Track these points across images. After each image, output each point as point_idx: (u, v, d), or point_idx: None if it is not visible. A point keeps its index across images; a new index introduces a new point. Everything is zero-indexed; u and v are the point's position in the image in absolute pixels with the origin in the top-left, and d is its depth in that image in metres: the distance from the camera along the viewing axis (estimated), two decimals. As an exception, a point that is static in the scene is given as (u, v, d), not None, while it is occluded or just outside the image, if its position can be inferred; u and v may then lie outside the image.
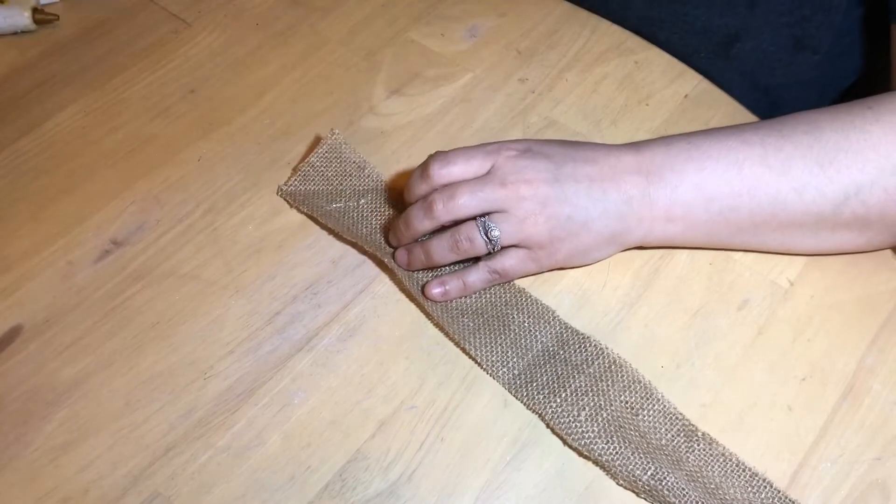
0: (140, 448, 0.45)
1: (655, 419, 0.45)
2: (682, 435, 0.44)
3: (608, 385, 0.46)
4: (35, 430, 0.46)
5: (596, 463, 0.44)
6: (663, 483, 0.42)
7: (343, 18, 0.67)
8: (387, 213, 0.53)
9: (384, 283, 0.51)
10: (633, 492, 0.43)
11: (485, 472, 0.44)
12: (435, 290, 0.49)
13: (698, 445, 0.44)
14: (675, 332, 0.49)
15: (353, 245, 0.53)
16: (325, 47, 0.64)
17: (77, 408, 0.47)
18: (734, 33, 0.63)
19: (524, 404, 0.46)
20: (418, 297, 0.50)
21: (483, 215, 0.47)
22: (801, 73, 0.65)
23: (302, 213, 0.54)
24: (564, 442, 0.45)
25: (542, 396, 0.46)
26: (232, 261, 0.53)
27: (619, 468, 0.43)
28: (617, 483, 0.44)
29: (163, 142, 0.59)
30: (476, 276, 0.49)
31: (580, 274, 0.51)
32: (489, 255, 0.48)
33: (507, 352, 0.47)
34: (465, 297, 0.50)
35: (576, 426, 0.44)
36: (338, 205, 0.53)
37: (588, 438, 0.44)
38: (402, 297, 0.51)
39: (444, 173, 0.49)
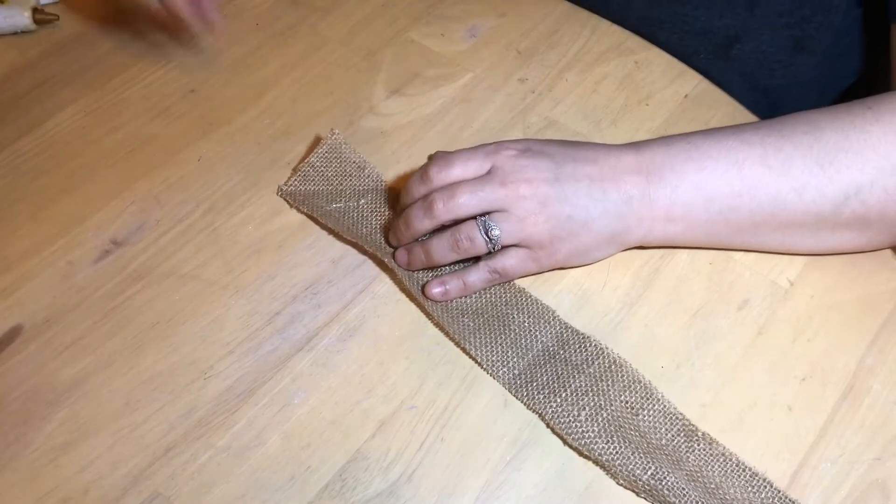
0: (140, 448, 0.45)
1: (655, 419, 0.45)
2: (682, 435, 0.44)
3: (608, 385, 0.46)
4: (35, 430, 0.46)
5: (596, 463, 0.44)
6: (663, 483, 0.42)
7: (343, 18, 0.67)
8: (387, 213, 0.53)
9: (384, 283, 0.51)
10: (634, 491, 0.43)
11: (485, 472, 0.44)
12: (435, 290, 0.49)
13: (698, 445, 0.44)
14: (675, 332, 0.49)
15: (353, 245, 0.53)
16: (325, 47, 0.64)
17: (77, 408, 0.47)
18: (734, 34, 0.63)
19: (524, 404, 0.46)
20: (418, 296, 0.50)
21: (483, 215, 0.47)
22: (801, 74, 0.65)
23: (302, 213, 0.54)
24: (565, 442, 0.45)
25: (542, 396, 0.46)
26: (232, 261, 0.53)
27: (620, 468, 0.43)
28: (617, 483, 0.44)
29: (163, 142, 0.59)
30: (476, 275, 0.49)
31: (580, 274, 0.51)
32: (489, 254, 0.48)
33: (508, 352, 0.47)
34: (466, 296, 0.50)
35: (576, 426, 0.44)
36: (338, 205, 0.53)
37: (588, 438, 0.44)
38: (402, 297, 0.51)
39: (443, 174, 0.49)
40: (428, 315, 0.49)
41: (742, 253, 0.52)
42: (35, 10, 0.65)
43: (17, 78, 0.63)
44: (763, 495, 0.42)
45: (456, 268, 0.51)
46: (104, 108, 0.61)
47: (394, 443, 0.45)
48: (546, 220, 0.47)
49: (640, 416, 0.45)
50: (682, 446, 0.44)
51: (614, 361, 0.47)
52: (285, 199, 0.55)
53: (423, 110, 0.60)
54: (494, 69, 0.63)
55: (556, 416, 0.45)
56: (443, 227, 0.49)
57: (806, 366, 0.48)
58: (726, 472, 0.43)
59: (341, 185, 0.54)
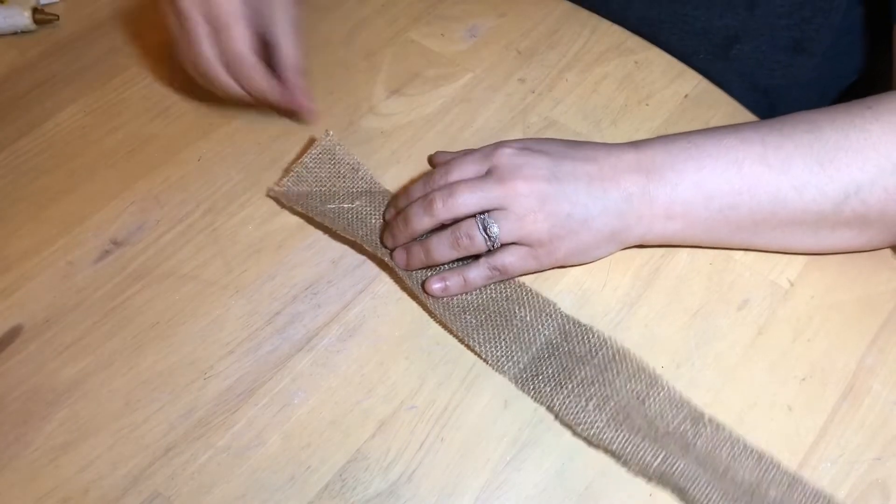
0: (140, 448, 0.45)
1: (662, 406, 0.45)
2: (688, 420, 0.45)
3: (614, 375, 0.46)
4: (35, 430, 0.46)
5: (606, 451, 0.44)
6: (674, 468, 0.42)
7: (343, 18, 0.67)
8: (381, 215, 0.53)
9: (384, 283, 0.51)
10: (645, 478, 0.43)
11: (485, 472, 0.44)
12: (435, 286, 0.49)
13: (705, 430, 0.44)
14: (675, 332, 0.49)
15: (353, 245, 0.53)
16: (325, 47, 0.64)
17: (77, 408, 0.47)
18: (734, 34, 0.63)
19: (531, 397, 0.46)
20: (420, 295, 0.50)
21: (483, 213, 0.47)
22: (801, 75, 0.65)
23: (296, 213, 0.54)
24: (574, 432, 0.45)
25: (548, 389, 0.46)
26: (232, 261, 0.53)
27: (630, 455, 0.43)
28: (628, 470, 0.44)
29: (163, 142, 0.59)
30: (476, 272, 0.49)
31: (580, 273, 0.51)
32: (489, 252, 0.48)
33: (511, 346, 0.47)
34: (466, 293, 0.50)
35: (584, 416, 0.44)
36: (332, 206, 0.53)
37: (597, 428, 0.44)
38: (402, 297, 0.51)
39: (443, 174, 0.49)
40: (430, 313, 0.49)
41: (742, 253, 0.52)
42: (35, 10, 0.65)
43: (17, 78, 0.63)
44: (771, 476, 0.43)
45: (456, 266, 0.51)
46: (104, 108, 0.61)
47: (394, 443, 0.45)
48: (545, 217, 0.47)
49: (647, 404, 0.45)
50: (690, 432, 0.44)
51: (618, 351, 0.47)
52: (277, 200, 0.55)
53: (423, 110, 0.60)
54: (494, 69, 0.63)
55: (563, 407, 0.45)
56: (442, 228, 0.49)
57: (806, 366, 0.48)
58: (734, 455, 0.44)
59: (335, 186, 0.54)
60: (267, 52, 0.54)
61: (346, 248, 0.53)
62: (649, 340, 0.49)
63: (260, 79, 0.53)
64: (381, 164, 0.57)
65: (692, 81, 0.62)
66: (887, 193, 0.46)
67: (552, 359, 0.47)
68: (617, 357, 0.47)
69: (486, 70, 0.63)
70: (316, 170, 0.54)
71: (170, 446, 0.45)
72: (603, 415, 0.44)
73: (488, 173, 0.48)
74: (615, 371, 0.46)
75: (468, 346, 0.48)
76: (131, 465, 0.44)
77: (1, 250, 0.53)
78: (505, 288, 0.50)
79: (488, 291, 0.50)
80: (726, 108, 0.60)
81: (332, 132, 0.54)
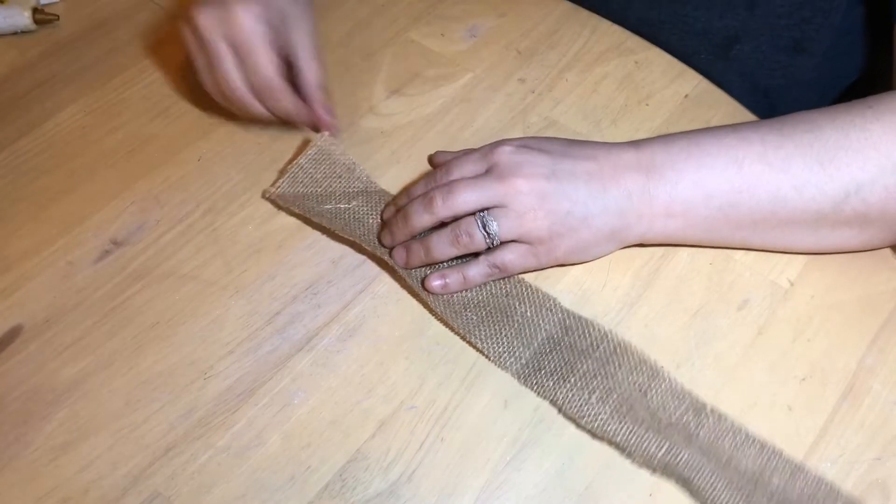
0: (140, 448, 0.45)
1: (664, 397, 0.45)
2: (691, 411, 0.45)
3: (615, 367, 0.46)
4: (35, 430, 0.46)
5: (610, 443, 0.44)
6: (678, 458, 0.42)
7: (343, 18, 0.67)
8: (379, 215, 0.53)
9: (384, 283, 0.51)
10: (650, 469, 0.44)
11: (485, 472, 0.44)
12: (435, 283, 0.49)
13: (707, 421, 0.45)
14: (675, 332, 0.49)
15: (353, 245, 0.53)
16: (325, 47, 0.64)
17: (77, 408, 0.47)
18: (734, 35, 0.63)
19: (535, 392, 0.46)
20: (420, 293, 0.50)
21: (483, 211, 0.47)
22: (801, 75, 0.65)
23: (293, 214, 0.54)
24: (578, 425, 0.45)
25: (551, 383, 0.46)
26: (232, 261, 0.53)
27: (634, 447, 0.43)
28: (633, 462, 0.44)
29: (163, 142, 0.59)
30: (476, 270, 0.49)
31: (580, 273, 0.51)
32: (489, 250, 0.48)
33: (513, 342, 0.48)
34: (466, 290, 0.50)
35: (588, 409, 0.45)
36: (328, 206, 0.53)
37: (601, 420, 0.44)
38: (402, 297, 0.51)
39: (444, 172, 0.49)
40: (431, 311, 0.49)
41: (742, 253, 0.52)
42: (35, 10, 0.65)
43: (17, 78, 0.63)
44: (774, 464, 0.43)
45: (456, 264, 0.51)
46: (104, 108, 0.61)
47: (394, 443, 0.45)
48: (545, 215, 0.47)
49: (649, 396, 0.45)
50: (692, 422, 0.45)
51: (619, 344, 0.47)
52: (273, 202, 0.55)
53: (423, 110, 0.60)
54: (494, 69, 0.63)
55: (567, 400, 0.45)
56: (442, 227, 0.49)
57: (806, 366, 0.48)
58: (737, 444, 0.44)
59: (331, 186, 0.54)
60: (288, 69, 0.54)
61: (346, 248, 0.53)
62: (649, 340, 0.49)
63: (287, 101, 0.53)
64: (381, 164, 0.57)
65: (692, 81, 0.62)
66: (888, 192, 0.46)
67: (554, 353, 0.47)
68: (618, 350, 0.47)
69: (486, 70, 0.63)
70: (311, 171, 0.54)
71: (170, 446, 0.45)
72: (606, 407, 0.45)
73: (488, 171, 0.48)
74: (617, 364, 0.46)
75: (470, 343, 0.48)
76: (131, 465, 0.44)
77: (1, 250, 0.53)
78: (505, 284, 0.50)
79: (488, 288, 0.50)
80: (726, 108, 0.60)
81: (326, 133, 0.54)
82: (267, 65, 0.52)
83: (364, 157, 0.57)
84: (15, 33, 0.66)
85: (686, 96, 0.61)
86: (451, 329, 0.49)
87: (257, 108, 0.54)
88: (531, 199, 0.47)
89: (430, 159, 0.56)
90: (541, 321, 0.48)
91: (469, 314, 0.49)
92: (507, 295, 0.50)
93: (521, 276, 0.51)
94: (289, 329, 0.49)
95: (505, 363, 0.47)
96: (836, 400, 0.46)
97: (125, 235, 0.54)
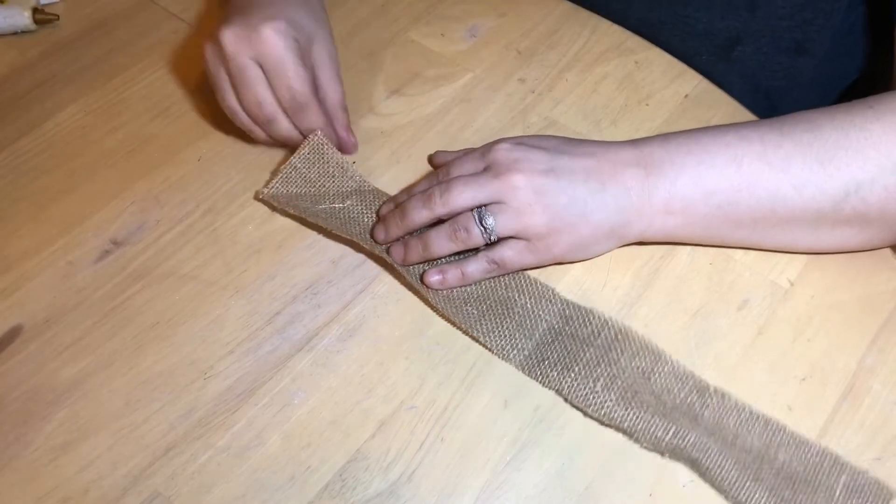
0: (140, 448, 0.45)
1: (667, 380, 0.46)
2: (694, 392, 0.45)
3: (618, 354, 0.47)
4: (35, 430, 0.46)
5: (618, 429, 0.44)
6: (686, 440, 0.43)
7: (343, 18, 0.67)
8: (373, 213, 0.53)
9: (384, 283, 0.51)
10: (658, 453, 0.44)
11: (485, 472, 0.44)
12: (433, 279, 0.49)
13: (711, 400, 0.45)
14: (675, 332, 0.49)
15: (353, 245, 0.53)
16: (325, 47, 0.64)
17: (77, 408, 0.47)
18: (735, 36, 0.63)
19: (540, 382, 0.47)
20: (420, 289, 0.50)
21: (481, 207, 0.47)
22: (802, 76, 0.65)
23: (288, 214, 0.54)
24: (585, 413, 0.45)
25: (556, 373, 0.46)
26: (232, 261, 0.53)
27: (642, 431, 0.44)
28: (641, 446, 0.44)
29: (163, 142, 0.59)
30: (475, 265, 0.49)
31: (580, 273, 0.51)
32: (488, 246, 0.48)
33: (515, 335, 0.48)
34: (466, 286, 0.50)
35: (593, 397, 0.45)
36: (323, 206, 0.53)
37: (607, 407, 0.45)
38: (402, 297, 0.51)
39: (444, 172, 0.50)
40: (431, 307, 0.49)
41: (742, 253, 0.52)
42: (35, 10, 0.65)
43: (17, 78, 0.63)
44: (779, 439, 0.44)
45: (454, 260, 0.51)
46: (104, 108, 0.61)
47: (394, 443, 0.45)
48: (543, 210, 0.47)
49: (653, 380, 0.46)
50: (697, 403, 0.45)
51: (620, 331, 0.48)
52: (265, 201, 0.54)
53: (423, 110, 0.60)
54: (494, 69, 0.63)
55: (572, 389, 0.46)
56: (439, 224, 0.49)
57: (806, 366, 0.48)
58: (741, 421, 0.45)
59: (324, 186, 0.54)
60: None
61: (346, 248, 0.53)
62: (649, 340, 0.49)
63: (316, 118, 0.53)
64: (381, 163, 0.57)
65: (692, 81, 0.62)
66: (887, 192, 0.46)
67: (556, 343, 0.47)
68: (619, 337, 0.47)
69: (486, 70, 0.63)
70: (304, 171, 0.53)
71: (170, 446, 0.45)
72: (612, 394, 0.45)
73: (486, 169, 0.48)
74: (619, 350, 0.47)
75: (472, 338, 0.48)
76: (131, 465, 0.44)
77: (1, 250, 0.53)
78: (504, 277, 0.50)
79: (488, 281, 0.50)
80: (727, 108, 0.60)
81: (319, 132, 0.54)
82: (300, 80, 0.51)
83: (364, 157, 0.58)
84: (15, 33, 0.66)
85: (686, 96, 0.61)
86: (453, 324, 0.49)
87: (282, 126, 0.53)
88: (528, 195, 0.47)
89: (430, 159, 0.56)
90: (541, 312, 0.49)
91: (470, 309, 0.49)
92: (507, 287, 0.50)
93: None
94: (289, 329, 0.49)
95: (508, 356, 0.47)
96: (836, 400, 0.46)
97: (125, 235, 0.54)
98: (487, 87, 0.62)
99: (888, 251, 0.52)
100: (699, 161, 0.47)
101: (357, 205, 0.53)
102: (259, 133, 0.54)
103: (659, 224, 0.49)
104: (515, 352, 0.47)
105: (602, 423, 0.45)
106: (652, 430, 0.44)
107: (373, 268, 0.52)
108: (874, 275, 0.51)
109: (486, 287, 0.50)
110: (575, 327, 0.48)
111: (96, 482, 0.44)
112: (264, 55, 0.51)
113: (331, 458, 0.45)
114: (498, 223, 0.47)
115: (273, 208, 0.54)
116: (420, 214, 0.49)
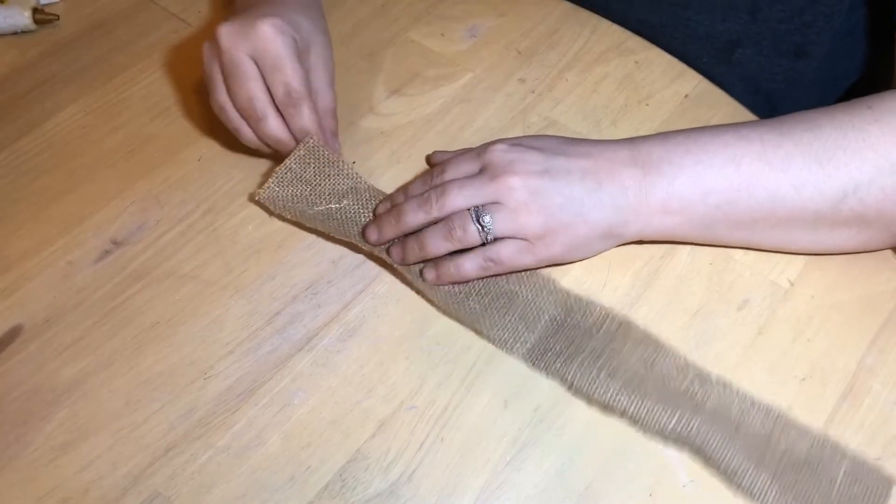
0: (140, 448, 0.45)
1: (669, 370, 0.46)
2: (696, 381, 0.46)
3: (621, 344, 0.47)
4: (35, 430, 0.46)
5: (623, 416, 0.45)
6: (690, 427, 0.44)
7: (343, 18, 0.67)
8: (370, 213, 0.53)
9: (384, 284, 0.51)
10: (663, 440, 0.44)
11: (485, 472, 0.44)
12: (429, 275, 0.49)
13: (714, 389, 0.46)
14: (675, 332, 0.49)
15: (352, 245, 0.53)
16: (325, 47, 0.64)
17: (77, 408, 0.47)
18: (736, 39, 0.63)
19: (544, 373, 0.47)
20: (422, 287, 0.49)
21: (478, 206, 0.47)
22: (802, 78, 0.65)
23: (285, 220, 0.54)
24: (590, 401, 0.46)
25: (560, 364, 0.47)
26: (232, 261, 0.53)
27: (646, 419, 0.44)
28: (646, 434, 0.45)
29: (163, 142, 0.59)
30: (471, 262, 0.48)
31: (580, 273, 0.51)
32: (485, 245, 0.48)
33: (518, 327, 0.48)
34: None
35: (598, 385, 0.46)
36: (320, 208, 0.53)
37: (612, 394, 0.45)
38: (402, 297, 0.51)
39: (438, 172, 0.50)
40: (433, 304, 0.49)
41: (742, 253, 0.52)
42: (35, 10, 0.65)
43: (17, 78, 0.63)
44: (780, 427, 0.45)
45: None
46: (104, 108, 0.61)
47: (394, 443, 0.45)
48: (539, 210, 0.47)
49: (656, 369, 0.46)
50: (699, 392, 0.46)
51: (622, 322, 0.48)
52: (262, 205, 0.54)
53: (423, 110, 0.60)
54: (494, 69, 0.63)
55: (576, 378, 0.46)
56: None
57: (806, 366, 0.48)
58: (743, 409, 0.45)
59: (320, 185, 0.53)
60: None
61: (345, 248, 0.53)
62: (649, 340, 0.49)
63: (308, 117, 0.52)
64: (381, 163, 0.57)
65: (692, 81, 0.62)
66: (885, 194, 0.46)
67: (559, 334, 0.48)
68: (621, 327, 0.48)
69: (486, 70, 0.63)
70: (299, 171, 0.53)
71: (170, 446, 0.45)
72: (616, 382, 0.45)
73: (482, 170, 0.48)
74: (621, 341, 0.47)
75: (476, 331, 0.48)
76: (131, 465, 0.44)
77: (1, 250, 0.53)
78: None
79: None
80: (727, 108, 0.60)
81: (314, 135, 0.53)
82: (296, 77, 0.51)
83: (364, 157, 0.58)
84: (15, 33, 0.66)
85: (686, 96, 0.61)
86: (456, 319, 0.49)
87: (272, 125, 0.52)
88: (524, 195, 0.47)
89: (428, 160, 0.56)
90: (542, 304, 0.49)
91: (471, 303, 0.49)
92: (508, 280, 0.50)
93: None
94: (289, 329, 0.49)
95: (512, 348, 0.48)
96: (836, 400, 0.46)
97: (125, 235, 0.54)
98: (487, 87, 0.62)
99: (888, 251, 0.52)
100: (698, 161, 0.47)
101: (354, 204, 0.53)
102: (246, 132, 0.53)
103: (657, 223, 0.49)
104: (519, 344, 0.48)
105: (607, 410, 0.45)
106: (657, 417, 0.44)
107: (373, 268, 0.52)
108: (874, 275, 0.51)
109: (487, 280, 0.50)
110: (577, 318, 0.48)
111: (96, 482, 0.44)
112: (261, 50, 0.50)
113: (331, 458, 0.45)
114: (495, 222, 0.47)
115: (270, 213, 0.54)
116: (416, 217, 0.49)
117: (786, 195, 0.46)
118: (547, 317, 0.49)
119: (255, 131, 0.53)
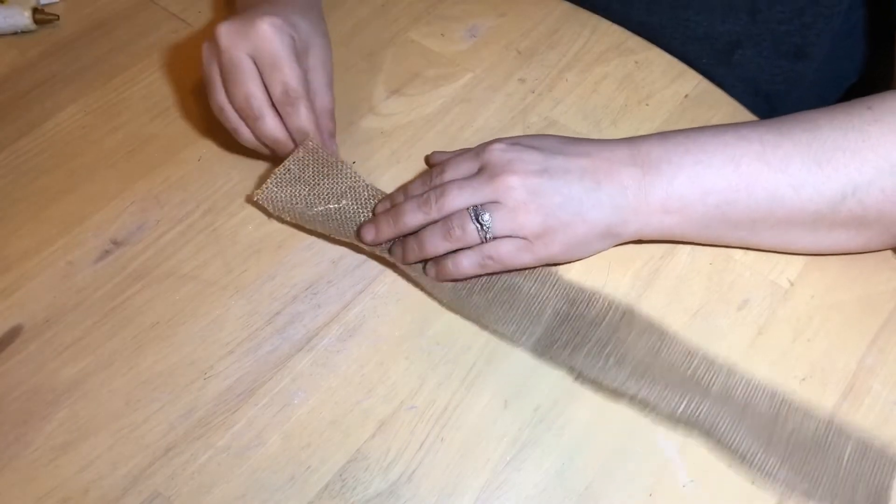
0: (140, 448, 0.45)
1: (674, 357, 0.47)
2: (702, 366, 0.47)
3: (626, 333, 0.48)
4: (35, 430, 0.46)
5: (633, 401, 0.45)
6: (699, 410, 0.44)
7: (343, 18, 0.67)
8: (369, 212, 0.53)
9: (384, 283, 0.51)
10: (673, 424, 0.45)
11: (485, 472, 0.44)
12: (427, 273, 0.49)
13: (720, 373, 0.46)
14: (676, 331, 0.49)
15: (352, 245, 0.53)
16: (325, 47, 0.64)
17: (77, 408, 0.47)
18: (736, 40, 0.63)
19: (552, 364, 0.47)
20: (426, 285, 0.50)
21: (477, 206, 0.47)
22: (801, 79, 0.65)
23: (284, 222, 0.54)
24: (599, 387, 0.46)
25: (567, 354, 0.47)
26: (232, 261, 0.53)
27: (656, 402, 0.45)
28: (656, 417, 0.45)
29: (163, 142, 0.59)
30: (469, 259, 0.48)
31: (580, 273, 0.51)
32: (483, 243, 0.48)
33: (523, 321, 0.48)
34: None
35: (605, 372, 0.46)
36: (319, 209, 0.53)
37: (621, 380, 0.45)
38: (402, 297, 0.51)
39: (437, 172, 0.50)
40: (438, 302, 0.49)
41: (742, 253, 0.52)
42: (35, 10, 0.65)
43: (17, 78, 0.63)
44: (786, 409, 0.45)
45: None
46: (104, 108, 0.61)
47: (394, 443, 0.45)
48: (537, 209, 0.47)
49: (662, 356, 0.47)
50: (705, 377, 0.46)
51: (626, 311, 0.49)
52: (261, 207, 0.54)
53: (423, 110, 0.60)
54: (494, 69, 0.63)
55: (584, 366, 0.46)
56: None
57: (806, 366, 0.48)
58: (749, 393, 0.46)
59: (319, 185, 0.53)
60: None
61: (345, 248, 0.53)
62: (649, 340, 0.49)
63: (306, 117, 0.52)
64: (381, 164, 0.57)
65: (692, 81, 0.62)
66: (884, 195, 0.45)
67: (564, 326, 0.48)
68: (626, 317, 0.48)
69: (486, 70, 0.63)
70: (298, 172, 0.53)
71: (170, 446, 0.45)
72: (624, 369, 0.46)
73: (481, 170, 0.48)
74: (626, 330, 0.48)
75: (482, 325, 0.49)
76: (131, 465, 0.44)
77: (1, 250, 0.53)
78: None
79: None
80: (727, 108, 0.60)
81: (314, 137, 0.53)
82: (294, 76, 0.51)
83: (364, 157, 0.58)
84: (15, 33, 0.66)
85: (686, 96, 0.61)
86: (460, 315, 0.49)
87: (270, 124, 0.52)
88: (522, 194, 0.47)
89: (427, 160, 0.56)
90: (546, 296, 0.49)
91: (476, 299, 0.49)
92: (510, 274, 0.50)
93: None
94: (289, 329, 0.49)
95: (519, 340, 0.48)
96: (836, 400, 0.46)
97: (125, 235, 0.54)
98: (487, 87, 0.62)
99: (888, 251, 0.52)
100: (697, 160, 0.47)
101: (352, 204, 0.53)
102: (245, 132, 0.53)
103: (656, 223, 0.49)
104: (525, 337, 0.48)
105: (617, 395, 0.46)
106: (667, 401, 0.45)
107: (373, 268, 0.52)
108: (874, 275, 0.51)
109: (490, 275, 0.50)
110: (581, 309, 0.49)
111: (96, 482, 0.44)
112: (260, 49, 0.50)
113: (331, 458, 0.45)
114: (493, 221, 0.47)
115: (269, 215, 0.54)
116: (415, 218, 0.49)
117: (785, 196, 0.46)
118: (551, 310, 0.49)
119: (252, 131, 0.53)
